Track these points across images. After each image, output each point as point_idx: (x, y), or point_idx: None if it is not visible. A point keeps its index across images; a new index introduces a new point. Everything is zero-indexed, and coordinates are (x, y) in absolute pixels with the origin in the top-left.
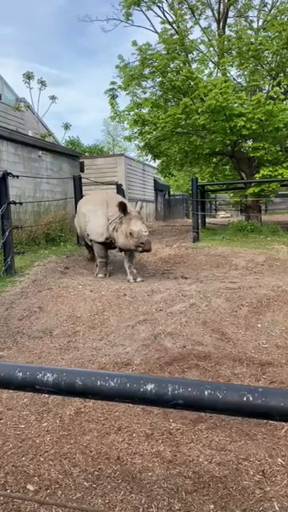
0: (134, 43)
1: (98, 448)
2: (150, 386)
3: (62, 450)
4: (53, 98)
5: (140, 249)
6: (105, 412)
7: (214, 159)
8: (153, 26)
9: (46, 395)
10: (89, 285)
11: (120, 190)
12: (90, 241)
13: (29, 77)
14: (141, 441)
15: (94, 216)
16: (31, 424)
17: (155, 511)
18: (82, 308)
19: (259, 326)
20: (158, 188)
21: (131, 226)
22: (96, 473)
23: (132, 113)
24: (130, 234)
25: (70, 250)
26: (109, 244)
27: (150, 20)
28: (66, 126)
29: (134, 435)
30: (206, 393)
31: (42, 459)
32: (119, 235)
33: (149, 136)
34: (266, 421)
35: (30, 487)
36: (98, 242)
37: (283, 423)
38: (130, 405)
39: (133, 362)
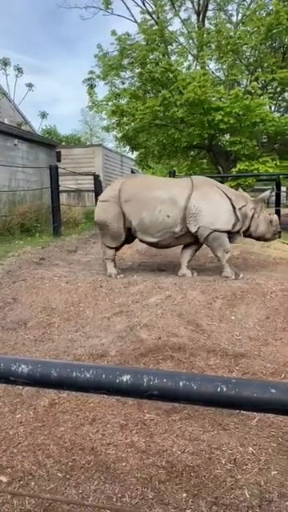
0: (114, 33)
1: (72, 439)
2: (125, 377)
3: (35, 442)
4: (30, 85)
5: (276, 236)
6: (79, 403)
7: (192, 152)
8: (132, 16)
9: (20, 387)
10: (64, 276)
11: (97, 181)
12: (193, 233)
13: (5, 63)
14: (115, 431)
15: (208, 203)
16: (4, 416)
17: (128, 500)
18: (58, 299)
19: (233, 318)
20: None
21: (268, 214)
22: (70, 464)
23: (110, 103)
24: (271, 221)
25: (46, 240)
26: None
27: (129, 9)
28: (43, 115)
29: (109, 426)
30: (180, 384)
31: (15, 451)
32: (261, 222)
33: (127, 127)
34: (238, 411)
35: (3, 479)
36: (222, 231)
37: (255, 413)
38: (105, 396)
39: (108, 353)
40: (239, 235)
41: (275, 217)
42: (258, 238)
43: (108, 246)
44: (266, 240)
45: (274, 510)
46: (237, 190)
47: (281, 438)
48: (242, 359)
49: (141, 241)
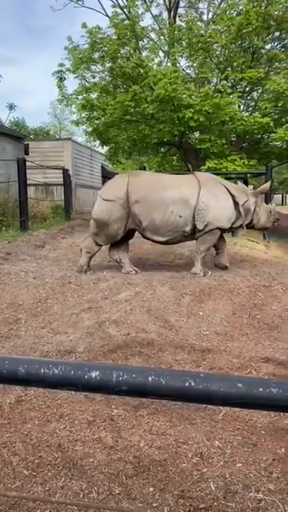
0: (84, 25)
1: (38, 436)
2: (94, 373)
3: (0, 440)
4: None
5: (276, 224)
6: (46, 400)
7: (162, 149)
8: (103, 9)
9: None
10: (32, 272)
11: (66, 175)
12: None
13: None
14: (82, 428)
15: (215, 200)
16: None
17: (95, 496)
18: (25, 295)
19: (201, 313)
20: (106, 175)
21: (266, 205)
22: (36, 461)
23: (80, 97)
24: (270, 211)
25: (13, 235)
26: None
27: (100, 2)
28: (11, 107)
29: (76, 422)
30: (149, 379)
31: None
32: (262, 214)
33: (97, 121)
34: (205, 405)
35: None
36: (221, 229)
37: (221, 407)
38: (73, 392)
39: (76, 349)
40: (242, 229)
41: (273, 206)
42: (260, 229)
43: (97, 243)
44: (266, 229)
45: (239, 501)
46: (235, 183)
47: (246, 431)
48: (209, 354)
49: (148, 239)
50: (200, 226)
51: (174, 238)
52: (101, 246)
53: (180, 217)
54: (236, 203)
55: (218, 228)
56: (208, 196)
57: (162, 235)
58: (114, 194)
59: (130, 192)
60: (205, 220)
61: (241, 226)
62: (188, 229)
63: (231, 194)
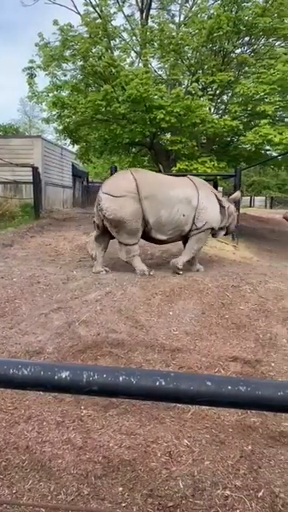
0: (56, 22)
1: (6, 438)
2: (64, 374)
3: None
4: None
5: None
6: (14, 401)
7: (134, 149)
8: (75, 7)
9: None
10: None
11: (36, 174)
12: (195, 229)
13: None
14: (51, 429)
15: (210, 202)
16: None
17: (64, 497)
18: None
19: (171, 313)
20: (77, 174)
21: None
22: (3, 463)
23: (51, 94)
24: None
25: None
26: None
27: (72, 0)
28: None
29: (45, 423)
30: (120, 378)
31: None
32: (234, 219)
33: (68, 120)
34: (174, 404)
35: None
36: (212, 229)
37: (190, 406)
38: (41, 393)
39: (45, 350)
40: (223, 231)
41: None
42: (229, 233)
43: (129, 244)
44: (229, 233)
45: (206, 499)
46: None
47: (214, 430)
48: (179, 354)
49: (149, 238)
50: (199, 225)
51: (174, 236)
52: (135, 244)
53: (183, 216)
54: (222, 207)
55: (211, 228)
56: (205, 197)
57: (164, 233)
58: (124, 189)
59: (139, 187)
60: (204, 219)
61: (221, 228)
62: (187, 228)
63: (217, 199)
